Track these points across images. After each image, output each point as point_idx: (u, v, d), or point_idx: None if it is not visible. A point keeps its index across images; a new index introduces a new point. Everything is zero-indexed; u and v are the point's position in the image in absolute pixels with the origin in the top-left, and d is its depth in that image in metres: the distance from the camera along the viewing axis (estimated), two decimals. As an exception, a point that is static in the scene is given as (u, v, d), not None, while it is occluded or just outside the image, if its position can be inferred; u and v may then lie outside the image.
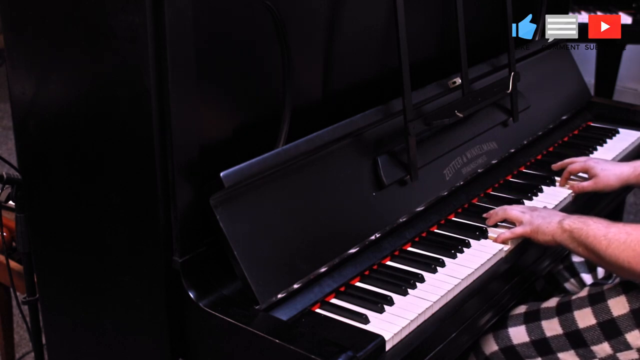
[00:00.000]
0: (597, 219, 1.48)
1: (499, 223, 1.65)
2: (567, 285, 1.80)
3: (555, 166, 1.93)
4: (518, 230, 1.58)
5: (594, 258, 1.46)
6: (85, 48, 1.30)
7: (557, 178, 1.91)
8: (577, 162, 1.89)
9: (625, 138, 2.21)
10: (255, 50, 1.45)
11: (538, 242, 1.56)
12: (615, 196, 1.95)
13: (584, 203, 1.85)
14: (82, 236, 1.45)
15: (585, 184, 1.85)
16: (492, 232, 1.63)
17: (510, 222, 1.63)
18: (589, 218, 1.49)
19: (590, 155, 2.05)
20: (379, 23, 1.73)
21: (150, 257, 1.33)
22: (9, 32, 1.40)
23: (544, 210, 1.61)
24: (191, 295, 1.30)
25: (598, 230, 1.44)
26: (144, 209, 1.31)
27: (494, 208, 1.75)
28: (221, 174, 1.28)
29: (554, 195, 1.84)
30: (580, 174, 1.90)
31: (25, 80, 1.40)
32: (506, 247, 1.59)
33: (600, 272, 1.77)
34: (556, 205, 1.79)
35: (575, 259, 1.82)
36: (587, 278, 1.78)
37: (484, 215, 1.68)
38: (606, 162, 1.88)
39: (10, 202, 1.69)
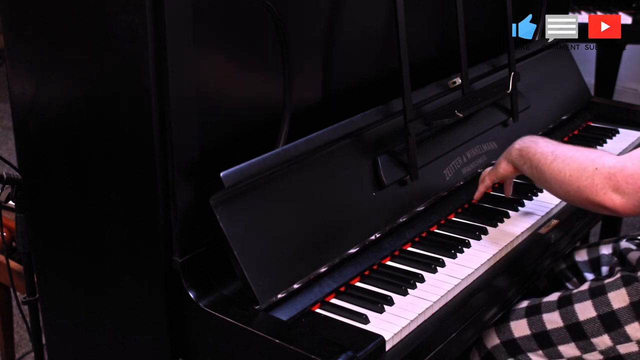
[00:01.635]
0: (549, 140, 1.48)
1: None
2: (570, 285, 1.80)
3: None
4: (486, 180, 1.66)
5: (537, 175, 1.44)
6: (85, 48, 1.30)
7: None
8: None
9: (625, 138, 2.21)
10: (255, 50, 1.45)
11: (505, 174, 1.60)
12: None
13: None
14: (82, 236, 1.45)
15: None
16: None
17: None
18: (540, 138, 1.50)
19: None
20: (379, 23, 1.73)
21: (150, 257, 1.33)
22: (9, 32, 1.40)
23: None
24: (191, 295, 1.30)
25: (547, 147, 1.44)
26: (144, 209, 1.31)
27: (494, 208, 1.75)
28: (221, 174, 1.28)
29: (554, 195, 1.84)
30: None
31: (25, 80, 1.40)
32: (506, 247, 1.59)
33: (604, 271, 1.77)
34: (556, 206, 1.79)
35: (578, 258, 1.82)
36: (590, 277, 1.78)
37: (475, 196, 1.72)
38: None
39: (10, 202, 1.69)
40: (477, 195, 1.71)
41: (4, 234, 1.86)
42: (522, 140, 1.55)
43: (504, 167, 1.60)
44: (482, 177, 1.72)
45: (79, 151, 1.38)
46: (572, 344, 1.51)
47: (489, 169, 1.70)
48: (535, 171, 1.44)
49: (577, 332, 1.50)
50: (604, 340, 1.48)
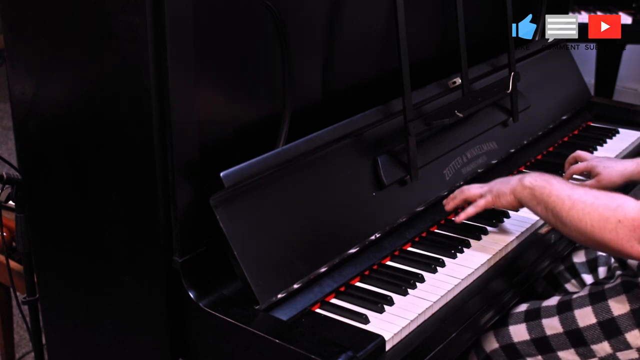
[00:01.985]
0: (561, 180, 1.43)
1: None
2: (568, 286, 1.80)
3: (566, 176, 1.89)
4: (481, 202, 1.56)
5: (552, 219, 1.40)
6: (85, 48, 1.30)
7: (557, 178, 1.91)
8: (580, 164, 1.87)
9: (625, 138, 2.21)
10: (255, 50, 1.45)
11: (502, 207, 1.53)
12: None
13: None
14: (82, 236, 1.45)
15: (588, 183, 1.84)
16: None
17: (471, 201, 1.61)
18: (552, 177, 1.44)
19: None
20: (379, 23, 1.73)
21: (150, 257, 1.33)
22: (9, 32, 1.40)
23: (501, 179, 1.58)
24: (191, 295, 1.30)
25: (562, 191, 1.38)
26: (144, 209, 1.31)
27: (493, 208, 1.75)
28: (221, 174, 1.28)
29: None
30: (579, 176, 1.90)
31: (25, 80, 1.40)
32: (506, 248, 1.59)
33: (602, 272, 1.77)
34: (556, 205, 1.79)
35: (576, 259, 1.81)
36: (588, 279, 1.78)
37: (444, 202, 1.65)
38: (608, 160, 1.87)
39: (10, 202, 1.68)
40: (463, 216, 1.59)
41: (4, 234, 1.86)
42: (533, 179, 1.46)
43: (509, 201, 1.51)
44: (470, 196, 1.59)
45: (79, 151, 1.38)
46: (572, 350, 1.51)
47: (477, 188, 1.59)
48: (551, 215, 1.39)
49: (576, 338, 1.50)
50: (603, 347, 1.48)
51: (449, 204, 1.63)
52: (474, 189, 1.60)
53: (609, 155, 2.06)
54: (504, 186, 1.52)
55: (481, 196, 1.57)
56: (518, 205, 1.52)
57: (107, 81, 1.29)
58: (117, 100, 1.28)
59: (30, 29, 1.37)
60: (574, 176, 1.89)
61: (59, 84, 1.37)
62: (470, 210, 1.57)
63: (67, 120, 1.39)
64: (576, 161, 1.90)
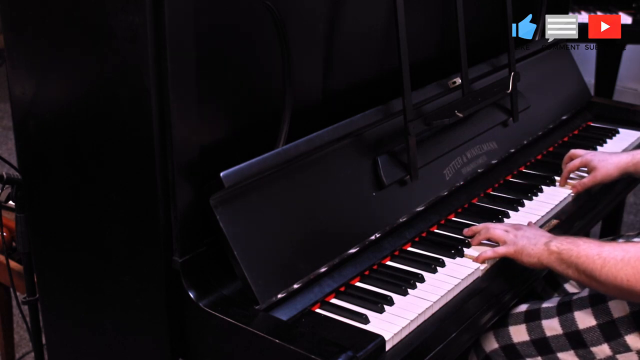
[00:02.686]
0: (586, 239, 1.42)
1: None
2: (567, 287, 1.80)
3: (561, 180, 1.90)
4: (501, 250, 1.51)
5: (586, 279, 1.39)
6: (85, 48, 1.30)
7: (557, 178, 1.91)
8: (575, 160, 1.88)
9: (625, 138, 2.21)
10: (255, 50, 1.45)
11: (522, 263, 1.50)
12: (615, 196, 1.95)
13: (584, 203, 1.85)
14: (82, 236, 1.45)
15: (585, 179, 1.85)
16: (472, 250, 1.58)
17: (493, 241, 1.57)
18: (577, 238, 1.43)
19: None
20: (379, 23, 1.73)
21: (150, 257, 1.33)
22: (9, 32, 1.40)
23: (528, 230, 1.54)
24: (191, 295, 1.30)
25: (590, 250, 1.37)
26: (144, 209, 1.31)
27: (494, 208, 1.75)
28: (221, 174, 1.28)
29: (554, 195, 1.84)
30: (579, 172, 1.91)
31: (25, 80, 1.40)
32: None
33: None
34: (556, 205, 1.79)
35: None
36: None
37: (464, 231, 1.61)
38: (603, 153, 1.88)
39: (10, 202, 1.68)
40: (481, 259, 1.53)
41: (4, 234, 1.86)
42: (559, 242, 1.43)
43: (532, 263, 1.47)
44: (494, 237, 1.54)
45: (79, 151, 1.38)
46: (572, 352, 1.51)
47: (502, 232, 1.53)
48: (584, 276, 1.38)
49: (576, 340, 1.50)
50: (603, 350, 1.47)
51: (475, 238, 1.59)
52: (498, 231, 1.55)
53: (609, 156, 2.06)
54: (531, 246, 1.47)
55: (504, 242, 1.53)
56: (541, 268, 1.48)
57: (107, 81, 1.29)
58: (117, 100, 1.28)
59: (30, 29, 1.37)
60: (572, 175, 1.90)
61: (59, 84, 1.37)
62: (489, 254, 1.52)
63: (67, 120, 1.39)
64: (572, 159, 1.90)
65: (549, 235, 1.50)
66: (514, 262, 1.56)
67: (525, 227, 1.57)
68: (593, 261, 1.36)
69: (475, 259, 1.53)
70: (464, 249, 1.57)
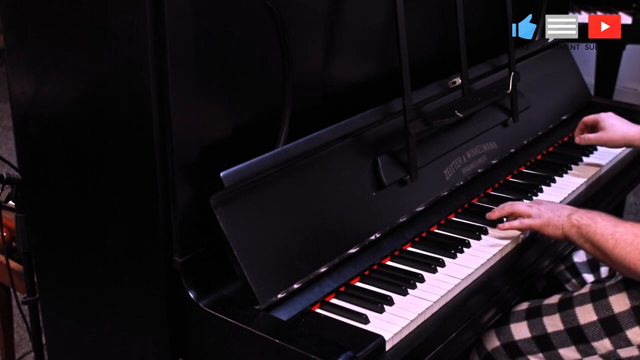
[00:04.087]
0: (606, 216, 1.47)
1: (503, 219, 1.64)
2: (569, 286, 1.80)
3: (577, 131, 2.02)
4: (527, 221, 1.57)
5: (600, 255, 1.45)
6: (85, 48, 1.30)
7: (557, 178, 1.92)
8: (590, 115, 1.98)
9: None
10: (255, 50, 1.45)
11: (547, 235, 1.55)
12: (615, 196, 1.95)
13: (585, 202, 1.85)
14: (82, 236, 1.45)
15: (590, 135, 1.95)
16: (493, 231, 1.63)
17: (516, 218, 1.61)
18: (597, 214, 1.49)
19: (590, 155, 2.06)
20: (379, 23, 1.73)
21: (150, 257, 1.33)
22: (9, 32, 1.40)
23: (550, 204, 1.60)
24: (191, 295, 1.30)
25: (606, 229, 1.43)
26: (144, 209, 1.31)
27: (494, 208, 1.75)
28: (221, 174, 1.28)
29: (554, 195, 1.84)
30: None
31: (25, 80, 1.40)
32: (506, 248, 1.59)
33: (603, 272, 1.77)
34: (556, 205, 1.79)
35: (577, 259, 1.82)
36: (589, 278, 1.78)
37: (487, 214, 1.66)
38: (618, 118, 1.95)
39: (10, 202, 1.68)
40: (507, 226, 1.60)
41: (4, 234, 1.86)
42: (580, 216, 1.49)
43: (556, 234, 1.53)
44: (518, 211, 1.59)
45: (79, 151, 1.38)
46: (573, 348, 1.51)
47: (525, 206, 1.59)
48: (598, 252, 1.45)
49: (577, 335, 1.50)
50: (604, 344, 1.48)
51: (495, 212, 1.64)
52: (522, 206, 1.60)
53: (609, 156, 2.07)
54: (556, 218, 1.53)
55: (529, 215, 1.57)
56: (563, 239, 1.54)
57: (107, 81, 1.29)
58: (117, 101, 1.28)
59: (30, 29, 1.37)
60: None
61: (59, 84, 1.37)
62: (516, 224, 1.58)
63: (67, 120, 1.39)
64: (585, 126, 2.00)
65: (570, 207, 1.56)
66: (514, 260, 1.57)
67: (544, 201, 1.64)
68: (607, 240, 1.42)
69: (501, 226, 1.59)
70: (464, 249, 1.57)
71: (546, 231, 1.54)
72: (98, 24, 1.25)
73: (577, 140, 1.98)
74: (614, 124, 1.90)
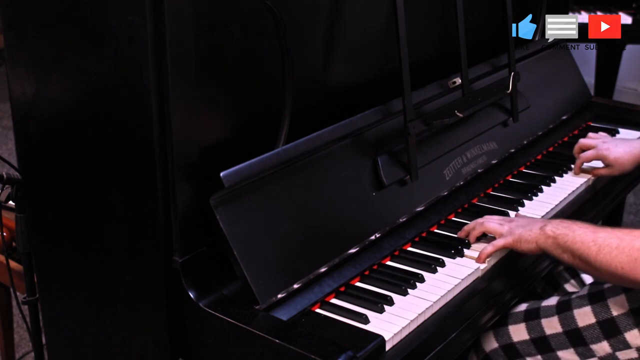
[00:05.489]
0: (582, 224, 1.43)
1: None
2: (568, 287, 1.80)
3: (575, 169, 1.95)
4: (499, 242, 1.52)
5: (581, 264, 1.40)
6: (85, 48, 1.30)
7: (557, 178, 1.92)
8: (589, 152, 1.92)
9: (625, 138, 2.21)
10: (255, 50, 1.45)
11: (522, 252, 1.51)
12: (615, 196, 1.95)
13: (585, 203, 1.86)
14: (82, 236, 1.45)
15: (601, 171, 1.92)
16: (472, 250, 1.57)
17: (489, 234, 1.58)
18: (572, 222, 1.44)
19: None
20: (379, 23, 1.73)
21: (150, 257, 1.33)
22: (9, 32, 1.40)
23: (522, 219, 1.56)
24: (191, 295, 1.30)
25: (585, 236, 1.38)
26: (144, 209, 1.31)
27: (494, 208, 1.75)
28: (221, 174, 1.28)
29: (554, 195, 1.84)
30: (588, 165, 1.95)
31: (25, 80, 1.40)
32: (504, 250, 1.59)
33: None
34: (556, 205, 1.79)
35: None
36: (588, 278, 1.78)
37: (459, 234, 1.61)
38: (616, 146, 1.91)
39: (10, 202, 1.68)
40: (483, 257, 1.53)
41: (4, 234, 1.86)
42: (555, 227, 1.44)
43: (530, 249, 1.48)
44: (489, 230, 1.55)
45: (79, 151, 1.38)
46: (571, 350, 1.51)
47: (497, 225, 1.55)
48: (579, 261, 1.40)
49: (576, 338, 1.50)
50: (603, 347, 1.48)
51: (471, 234, 1.59)
52: (493, 224, 1.56)
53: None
54: (527, 232, 1.49)
55: (501, 235, 1.53)
56: (539, 252, 1.50)
57: (107, 81, 1.29)
58: (117, 100, 1.28)
59: (30, 29, 1.37)
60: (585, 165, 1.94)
61: (59, 84, 1.37)
62: (489, 250, 1.53)
63: (67, 120, 1.39)
64: (582, 150, 1.95)
65: (543, 220, 1.52)
66: (514, 260, 1.57)
67: (516, 218, 1.60)
68: (588, 247, 1.37)
69: (477, 259, 1.53)
70: (464, 249, 1.57)
71: (519, 247, 1.50)
72: (98, 24, 1.25)
73: (592, 175, 1.92)
74: (619, 157, 1.85)
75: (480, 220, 1.60)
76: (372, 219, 1.54)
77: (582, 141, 1.95)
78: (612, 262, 1.34)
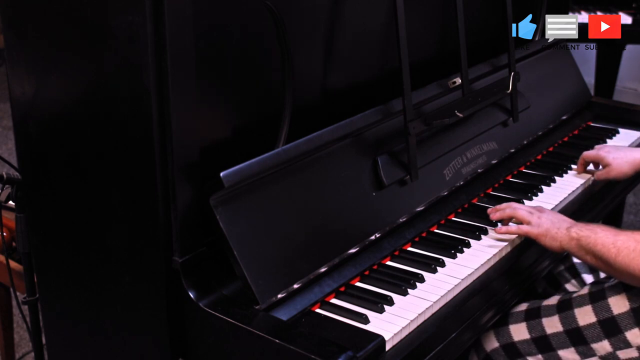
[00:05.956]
0: (605, 227, 1.47)
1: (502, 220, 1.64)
2: (568, 286, 1.80)
3: (578, 167, 1.96)
4: (525, 228, 1.57)
5: (603, 266, 1.45)
6: (85, 48, 1.30)
7: (557, 178, 1.92)
8: (590, 151, 1.93)
9: (625, 138, 2.21)
10: (255, 50, 1.45)
11: (543, 245, 1.55)
12: (615, 196, 1.96)
13: (585, 202, 1.86)
14: (82, 236, 1.45)
15: (598, 173, 1.91)
16: (493, 231, 1.63)
17: (516, 221, 1.61)
18: (596, 226, 1.48)
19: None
20: (379, 23, 1.73)
21: (150, 257, 1.33)
22: (9, 32, 1.40)
23: (551, 214, 1.59)
24: (191, 295, 1.30)
25: (606, 238, 1.43)
26: (144, 209, 1.31)
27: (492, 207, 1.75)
28: (221, 174, 1.28)
29: (554, 195, 1.84)
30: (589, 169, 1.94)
31: (25, 80, 1.40)
32: (506, 248, 1.59)
33: (602, 273, 1.77)
34: (556, 205, 1.79)
35: (577, 260, 1.81)
36: (589, 278, 1.78)
37: (489, 210, 1.66)
38: (617, 150, 1.91)
39: (10, 202, 1.69)
40: (504, 230, 1.61)
41: (4, 234, 1.86)
42: (579, 229, 1.49)
43: (554, 246, 1.53)
44: (518, 216, 1.59)
45: (79, 151, 1.38)
46: (572, 349, 1.51)
47: (526, 212, 1.59)
48: (600, 262, 1.45)
49: (576, 337, 1.50)
50: (603, 346, 1.48)
51: (495, 214, 1.64)
52: (523, 212, 1.60)
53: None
54: (554, 230, 1.53)
55: (529, 222, 1.57)
56: (559, 251, 1.55)
57: (107, 81, 1.29)
58: (117, 101, 1.28)
59: (30, 29, 1.37)
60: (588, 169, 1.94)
61: (59, 84, 1.37)
62: (513, 229, 1.59)
63: (67, 120, 1.39)
64: (585, 161, 1.95)
65: (570, 220, 1.55)
66: (514, 260, 1.57)
67: (546, 210, 1.63)
68: (608, 250, 1.42)
69: (498, 230, 1.59)
70: (464, 249, 1.57)
71: (543, 241, 1.54)
72: (98, 24, 1.25)
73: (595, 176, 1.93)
74: (617, 158, 1.87)
75: (512, 204, 1.65)
76: (372, 219, 1.54)
77: (586, 153, 1.95)
78: (630, 264, 1.39)
